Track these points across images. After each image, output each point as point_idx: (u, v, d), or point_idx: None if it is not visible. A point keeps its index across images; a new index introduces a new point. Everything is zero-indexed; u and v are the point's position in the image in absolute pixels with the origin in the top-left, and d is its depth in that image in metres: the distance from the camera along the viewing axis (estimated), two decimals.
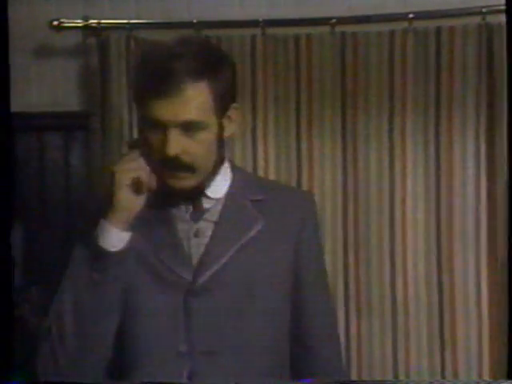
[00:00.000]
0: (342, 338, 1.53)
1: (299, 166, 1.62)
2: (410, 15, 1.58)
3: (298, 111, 1.61)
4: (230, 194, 1.17)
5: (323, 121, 1.60)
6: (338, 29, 1.60)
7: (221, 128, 1.11)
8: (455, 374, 1.59)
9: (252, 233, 1.15)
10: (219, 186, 1.16)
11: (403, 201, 1.60)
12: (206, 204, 1.16)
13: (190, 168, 1.10)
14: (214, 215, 1.16)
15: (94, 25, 1.63)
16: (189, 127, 1.07)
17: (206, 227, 1.15)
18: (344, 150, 1.61)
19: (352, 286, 1.61)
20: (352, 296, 1.61)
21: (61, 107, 1.74)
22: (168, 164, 1.08)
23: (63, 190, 1.78)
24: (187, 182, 1.11)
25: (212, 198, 1.16)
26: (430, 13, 1.59)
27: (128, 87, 1.62)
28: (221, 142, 1.13)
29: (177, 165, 1.08)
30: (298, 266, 1.17)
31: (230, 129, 1.14)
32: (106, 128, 1.65)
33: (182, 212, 1.16)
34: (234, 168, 1.21)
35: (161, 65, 1.05)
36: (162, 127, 1.06)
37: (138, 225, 1.15)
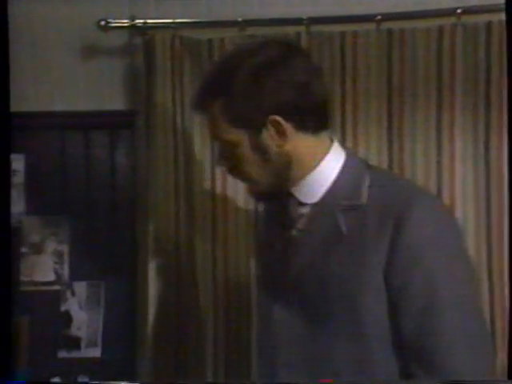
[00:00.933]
0: None
1: None
2: (459, 10, 1.53)
3: (343, 110, 1.58)
4: (325, 198, 1.09)
5: (369, 119, 1.57)
6: (385, 25, 1.56)
7: (257, 141, 1.06)
8: None
9: (330, 244, 1.06)
10: (314, 191, 1.09)
11: (452, 200, 1.55)
12: (300, 209, 1.10)
13: (248, 180, 1.11)
14: (302, 223, 1.11)
15: (139, 24, 1.64)
16: (224, 144, 1.09)
17: (295, 235, 1.11)
18: (390, 148, 1.57)
19: None
20: None
21: (107, 106, 1.75)
22: (231, 175, 1.14)
23: (109, 187, 1.80)
24: (255, 188, 1.12)
25: (305, 204, 1.10)
26: (480, 7, 1.53)
27: (173, 87, 1.62)
28: (265, 153, 1.07)
29: (238, 177, 1.13)
30: (391, 283, 1.02)
31: (282, 141, 1.07)
32: (150, 126, 1.65)
33: (280, 219, 1.14)
34: (346, 163, 1.10)
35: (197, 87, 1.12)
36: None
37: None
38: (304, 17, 1.58)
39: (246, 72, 1.04)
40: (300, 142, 1.07)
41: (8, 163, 1.10)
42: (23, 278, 1.77)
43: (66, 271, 1.78)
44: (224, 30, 1.60)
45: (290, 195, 1.10)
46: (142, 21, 1.63)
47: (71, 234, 1.77)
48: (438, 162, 1.55)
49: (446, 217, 1.11)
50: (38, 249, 1.78)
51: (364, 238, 1.03)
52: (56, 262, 1.78)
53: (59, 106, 1.77)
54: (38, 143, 1.80)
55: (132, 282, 1.71)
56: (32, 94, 1.77)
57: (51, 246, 1.78)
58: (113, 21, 1.65)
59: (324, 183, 1.08)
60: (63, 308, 1.76)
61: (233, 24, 1.59)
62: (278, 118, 1.04)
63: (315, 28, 1.59)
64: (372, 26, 1.57)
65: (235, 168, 1.10)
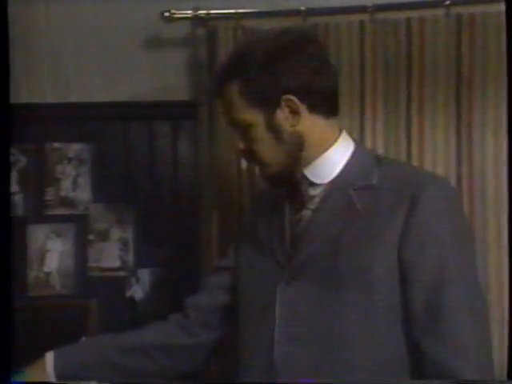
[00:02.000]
0: None
1: (409, 156, 1.55)
2: None
3: (408, 99, 1.53)
4: (336, 180, 1.13)
5: (436, 109, 1.52)
6: (454, 11, 1.50)
7: (272, 120, 1.11)
8: None
9: (345, 222, 1.09)
10: (326, 172, 1.13)
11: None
12: (311, 191, 1.14)
13: (261, 163, 1.14)
14: (314, 203, 1.13)
15: (202, 15, 1.63)
16: (239, 126, 1.12)
17: (306, 215, 1.14)
18: (458, 138, 1.52)
19: None
20: None
21: (170, 97, 1.75)
22: (244, 159, 1.25)
23: (171, 176, 1.82)
24: (268, 171, 1.15)
25: (317, 184, 1.14)
26: None
27: None
28: (279, 133, 1.12)
29: (250, 160, 1.18)
30: (404, 258, 1.05)
31: (295, 121, 1.11)
32: (213, 118, 1.65)
33: (291, 202, 1.16)
34: (356, 150, 1.15)
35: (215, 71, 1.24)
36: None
37: (256, 214, 1.22)
38: (369, 4, 1.54)
39: (262, 54, 1.09)
40: (312, 124, 1.12)
41: (8, 156, 1.11)
42: (90, 264, 1.82)
43: (130, 258, 1.82)
44: (286, 19, 1.58)
45: (302, 176, 1.14)
46: (204, 11, 1.63)
47: (135, 221, 1.81)
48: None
49: (456, 198, 1.16)
50: (104, 236, 1.82)
51: (378, 214, 1.07)
52: (121, 249, 1.82)
53: (123, 96, 1.80)
54: (104, 133, 1.83)
55: (195, 271, 1.73)
56: (97, 85, 1.80)
57: (116, 233, 1.82)
58: (176, 12, 1.65)
59: (335, 165, 1.14)
60: (128, 294, 1.80)
61: (295, 13, 1.57)
62: (292, 97, 1.10)
63: (380, 15, 1.55)
64: (440, 12, 1.51)
65: (249, 151, 1.14)
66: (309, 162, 1.13)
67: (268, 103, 1.09)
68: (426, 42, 1.52)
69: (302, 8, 1.56)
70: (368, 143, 1.56)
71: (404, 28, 1.53)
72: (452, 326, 1.03)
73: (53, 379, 1.20)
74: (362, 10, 1.55)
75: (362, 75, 1.56)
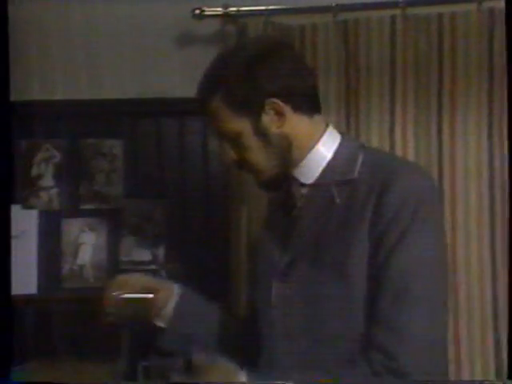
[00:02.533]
0: None
1: (440, 148, 1.53)
2: None
3: (439, 95, 1.52)
4: (320, 178, 1.15)
5: (468, 105, 1.50)
6: (486, 5, 1.49)
7: (258, 126, 1.12)
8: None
9: (325, 217, 1.11)
10: (313, 170, 1.15)
11: None
12: (301, 190, 1.16)
13: (255, 170, 1.16)
14: (302, 202, 1.16)
15: (233, 12, 1.64)
16: (229, 137, 1.13)
17: (296, 215, 1.16)
18: (490, 135, 1.50)
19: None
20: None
21: None
22: (237, 168, 1.18)
23: (202, 172, 1.84)
24: (261, 177, 1.16)
25: (305, 185, 1.16)
26: None
27: None
28: (266, 137, 1.12)
29: (245, 168, 1.17)
30: (371, 244, 1.06)
31: (281, 123, 1.12)
32: None
33: (285, 201, 1.18)
34: (341, 144, 1.16)
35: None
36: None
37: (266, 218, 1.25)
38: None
39: (239, 63, 1.11)
40: (297, 124, 1.13)
41: (9, 151, 1.12)
42: (122, 258, 1.85)
43: (161, 252, 1.84)
44: (317, 15, 1.58)
45: (292, 178, 1.16)
46: (235, 8, 1.64)
47: (167, 216, 1.83)
48: None
49: (428, 186, 1.13)
50: (135, 230, 1.85)
51: (354, 207, 1.09)
52: (152, 243, 1.85)
53: (155, 93, 1.82)
54: (136, 129, 1.86)
55: (224, 265, 1.75)
56: (129, 82, 1.83)
57: (148, 227, 1.85)
58: (207, 9, 1.67)
59: (321, 163, 1.15)
60: None
61: (326, 9, 1.57)
62: (275, 99, 1.11)
63: (411, 11, 1.54)
64: (472, 7, 1.50)
65: (241, 160, 1.15)
66: (297, 162, 1.15)
67: (252, 110, 1.12)
68: (458, 38, 1.50)
69: (333, 4, 1.56)
70: (398, 138, 1.56)
71: (435, 23, 1.52)
72: (406, 317, 1.02)
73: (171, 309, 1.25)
74: (393, 5, 1.54)
75: (392, 71, 1.55)
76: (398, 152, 1.55)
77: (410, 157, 1.56)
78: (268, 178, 1.16)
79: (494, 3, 1.49)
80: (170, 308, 1.24)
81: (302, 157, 1.15)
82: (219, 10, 1.66)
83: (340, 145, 1.16)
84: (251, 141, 1.12)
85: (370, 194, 1.08)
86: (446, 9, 1.52)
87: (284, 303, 1.12)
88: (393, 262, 1.04)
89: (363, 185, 1.10)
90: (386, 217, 1.05)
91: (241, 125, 1.12)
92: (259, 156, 1.13)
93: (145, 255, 1.85)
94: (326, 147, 1.16)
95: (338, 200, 1.11)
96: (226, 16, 1.66)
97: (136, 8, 1.79)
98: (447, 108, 1.53)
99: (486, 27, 1.49)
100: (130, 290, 1.23)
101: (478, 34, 1.49)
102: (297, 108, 1.13)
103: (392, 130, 1.57)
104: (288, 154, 1.14)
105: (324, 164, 1.15)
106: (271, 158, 1.14)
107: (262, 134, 1.12)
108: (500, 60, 1.49)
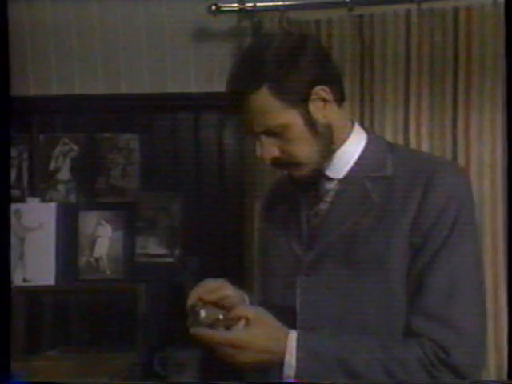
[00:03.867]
0: None
1: (455, 143, 1.53)
2: None
3: (455, 87, 1.52)
4: (351, 173, 1.13)
5: (482, 96, 1.50)
6: None
7: (307, 117, 1.08)
8: None
9: (361, 212, 1.10)
10: (342, 165, 1.13)
11: None
12: (327, 185, 1.14)
13: (296, 164, 1.10)
14: (331, 196, 1.13)
15: (248, 8, 1.65)
16: (273, 131, 1.07)
17: (324, 208, 1.13)
18: (505, 131, 1.50)
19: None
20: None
21: (216, 88, 1.77)
22: (273, 165, 1.11)
23: (217, 165, 1.85)
24: (300, 173, 1.12)
25: (332, 179, 1.13)
26: None
27: None
28: (315, 128, 1.09)
29: (282, 165, 1.11)
30: (413, 242, 1.06)
31: (327, 111, 1.10)
32: None
33: (306, 196, 1.15)
34: (369, 140, 1.15)
35: (229, 83, 1.10)
36: (255, 136, 1.09)
37: (269, 212, 1.21)
38: None
39: (281, 53, 1.08)
40: (336, 113, 1.12)
41: (8, 147, 1.13)
42: (138, 250, 1.86)
43: (177, 245, 1.86)
44: (332, 10, 1.58)
45: (319, 171, 1.13)
46: (251, 4, 1.65)
47: (183, 210, 1.84)
48: None
49: (465, 182, 1.14)
50: (151, 223, 1.87)
51: (393, 203, 1.07)
52: (168, 236, 1.86)
53: (171, 87, 1.84)
54: (152, 123, 1.87)
55: (239, 258, 1.76)
56: (146, 77, 1.85)
57: (164, 220, 1.86)
58: (223, 5, 1.67)
59: (350, 158, 1.12)
60: (176, 279, 1.84)
61: (341, 4, 1.57)
62: (323, 87, 1.09)
63: (426, 5, 1.53)
64: (487, 0, 1.49)
65: (284, 156, 1.10)
66: (330, 155, 1.13)
67: (301, 99, 1.08)
68: (473, 32, 1.50)
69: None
70: (412, 134, 1.56)
71: (451, 17, 1.51)
72: (437, 299, 1.04)
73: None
74: (406, 0, 1.53)
75: (407, 65, 1.55)
76: (412, 147, 1.55)
77: (424, 146, 1.56)
78: (307, 173, 1.12)
79: None
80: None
81: (336, 150, 1.13)
82: (235, 5, 1.67)
83: (368, 142, 1.15)
84: (300, 132, 1.08)
85: (413, 192, 1.07)
86: (461, 3, 1.51)
87: (311, 298, 1.10)
88: (440, 260, 1.05)
89: (401, 182, 1.09)
90: (432, 215, 1.05)
91: (289, 116, 1.07)
92: (305, 148, 1.10)
93: (160, 248, 1.86)
94: (355, 142, 1.14)
95: (374, 196, 1.09)
96: (241, 11, 1.67)
97: (152, 3, 1.80)
98: (462, 103, 1.52)
99: (501, 20, 1.48)
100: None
101: (493, 28, 1.48)
102: (336, 96, 1.11)
103: (406, 125, 1.56)
104: (330, 146, 1.12)
105: (355, 158, 1.13)
106: (316, 151, 1.10)
107: (310, 123, 1.09)
108: None
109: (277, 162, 1.11)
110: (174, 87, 1.83)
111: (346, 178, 1.13)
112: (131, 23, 1.84)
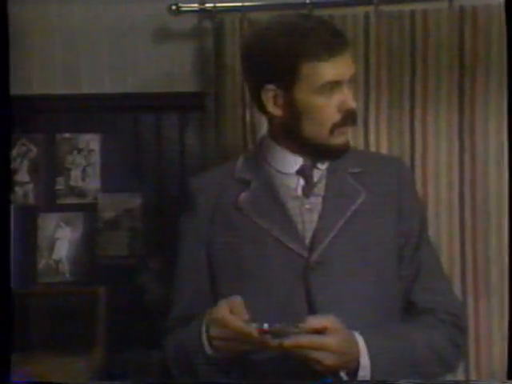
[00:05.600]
0: None
1: (412, 145, 1.55)
2: None
3: (412, 91, 1.53)
4: (330, 167, 1.18)
5: (439, 101, 1.51)
6: (457, 3, 1.50)
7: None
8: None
9: (355, 205, 1.15)
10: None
11: None
12: (315, 177, 1.16)
13: (353, 121, 1.15)
14: (321, 189, 1.16)
15: (209, 8, 1.63)
16: (351, 80, 1.13)
17: (317, 202, 1.15)
18: (461, 129, 1.51)
19: (470, 270, 1.54)
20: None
21: (177, 88, 1.76)
22: (346, 120, 1.13)
23: (179, 166, 1.83)
24: (345, 137, 1.16)
25: (320, 169, 1.17)
26: None
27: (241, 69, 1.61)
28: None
29: (349, 119, 1.13)
30: (401, 229, 1.17)
31: None
32: (220, 108, 1.65)
33: (291, 188, 1.16)
34: None
35: (325, 27, 1.12)
36: (338, 86, 1.11)
37: (249, 204, 1.17)
38: None
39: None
40: None
41: (8, 147, 1.10)
42: (99, 252, 1.83)
43: (139, 246, 1.83)
44: (292, 11, 1.57)
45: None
46: (211, 4, 1.63)
47: (144, 210, 1.81)
48: None
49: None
50: (113, 224, 1.83)
51: (377, 196, 1.16)
52: (130, 238, 1.83)
53: (132, 88, 1.81)
54: (113, 124, 1.84)
55: None
56: (107, 77, 1.81)
57: (125, 222, 1.83)
58: (183, 5, 1.65)
59: None
60: (138, 281, 1.81)
61: (301, 6, 1.57)
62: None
63: (384, 8, 1.54)
64: (444, 5, 1.51)
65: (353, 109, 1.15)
66: None
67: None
68: (430, 34, 1.51)
69: (308, 1, 1.56)
70: (372, 136, 1.57)
71: (408, 20, 1.52)
72: (433, 277, 1.19)
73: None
74: (366, 2, 1.54)
75: (366, 67, 1.56)
76: (372, 149, 1.56)
77: (384, 149, 1.57)
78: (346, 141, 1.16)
79: (465, 1, 1.51)
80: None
81: None
82: (195, 5, 1.65)
83: None
84: (332, 113, 1.12)
85: (390, 185, 1.18)
86: (418, 6, 1.53)
87: (322, 290, 1.12)
88: (424, 246, 1.20)
89: (374, 178, 1.18)
90: (410, 210, 1.18)
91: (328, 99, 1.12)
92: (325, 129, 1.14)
93: (122, 250, 1.83)
94: None
95: (360, 189, 1.16)
96: (202, 12, 1.65)
97: (113, 3, 1.77)
98: (419, 102, 1.54)
99: (457, 24, 1.51)
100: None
101: (449, 32, 1.50)
102: None
103: (366, 127, 1.57)
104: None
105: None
106: (329, 131, 1.15)
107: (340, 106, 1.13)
108: (470, 57, 1.50)
109: (353, 114, 1.15)
110: (134, 87, 1.80)
111: (328, 171, 1.17)
112: (91, 22, 1.80)
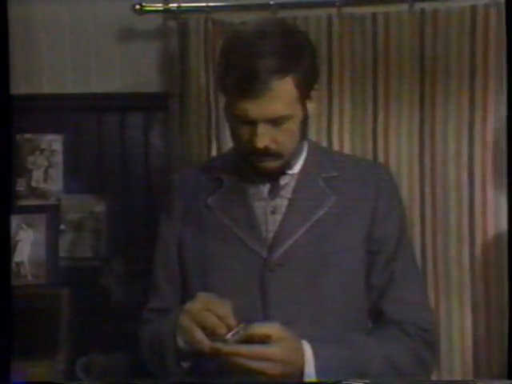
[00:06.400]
0: None
1: (375, 146, 1.55)
2: None
3: (374, 91, 1.54)
4: (303, 170, 1.17)
5: (401, 100, 1.53)
6: (418, 6, 1.52)
7: (305, 112, 1.11)
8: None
9: (323, 209, 1.13)
10: (296, 161, 1.17)
11: (483, 176, 1.51)
12: (281, 180, 1.16)
13: (278, 155, 1.11)
14: (288, 192, 1.15)
15: (173, 8, 1.62)
16: (277, 121, 1.07)
17: (282, 204, 1.15)
18: (421, 130, 1.53)
19: (430, 269, 1.55)
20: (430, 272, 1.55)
21: (142, 88, 1.74)
22: (257, 153, 1.09)
23: (143, 167, 1.80)
24: (274, 163, 1.12)
25: (288, 174, 1.16)
26: None
27: (206, 70, 1.59)
28: (305, 123, 1.13)
29: (265, 154, 1.09)
30: (374, 237, 1.15)
31: (310, 108, 1.13)
32: (184, 108, 1.64)
33: (260, 190, 1.16)
34: (310, 144, 1.21)
35: (243, 65, 1.03)
36: (250, 123, 1.07)
37: (218, 203, 1.17)
38: None
39: (309, 46, 1.11)
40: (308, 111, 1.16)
41: (8, 147, 1.08)
42: (62, 254, 1.79)
43: (103, 248, 1.80)
44: (256, 12, 1.58)
45: (287, 165, 1.16)
46: (175, 4, 1.62)
47: (108, 212, 1.79)
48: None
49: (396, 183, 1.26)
50: (76, 226, 1.80)
51: (349, 201, 1.14)
52: (93, 239, 1.80)
53: (96, 88, 1.78)
54: (76, 124, 1.81)
55: None
56: (70, 77, 1.78)
57: (89, 223, 1.80)
58: (147, 5, 1.63)
59: (301, 156, 1.17)
60: (101, 283, 1.78)
61: (265, 7, 1.56)
62: (317, 86, 1.13)
63: (347, 10, 1.55)
64: (405, 7, 1.53)
65: (272, 145, 1.10)
66: (300, 150, 1.17)
67: (308, 94, 1.10)
68: (391, 37, 1.52)
69: (272, 2, 1.56)
70: (335, 136, 1.58)
71: (370, 22, 1.54)
72: (406, 288, 1.16)
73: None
74: (329, 4, 1.55)
75: (329, 69, 1.56)
76: (335, 149, 1.56)
77: (346, 147, 1.58)
78: (282, 165, 1.13)
79: (425, 4, 1.53)
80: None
81: (298, 150, 1.16)
82: (159, 5, 1.63)
83: (309, 143, 1.20)
84: (296, 125, 1.09)
85: (367, 191, 1.15)
86: (380, 9, 1.54)
87: (279, 292, 1.10)
88: (401, 255, 1.17)
89: (350, 183, 1.15)
90: (386, 216, 1.16)
91: (297, 109, 1.08)
92: (292, 141, 1.11)
93: (86, 251, 1.80)
94: (305, 141, 1.18)
95: (330, 193, 1.14)
96: (166, 12, 1.64)
97: (76, 2, 1.74)
98: (382, 106, 1.55)
99: (418, 27, 1.52)
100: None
101: (410, 34, 1.52)
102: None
103: (329, 127, 1.58)
104: (301, 141, 1.15)
105: (303, 157, 1.17)
106: (296, 144, 1.13)
107: (304, 118, 1.11)
108: (430, 60, 1.52)
109: (264, 151, 1.09)
110: (98, 87, 1.78)
111: (299, 175, 1.16)
112: (54, 22, 1.77)
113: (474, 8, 1.50)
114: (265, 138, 1.07)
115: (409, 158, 1.54)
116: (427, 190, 1.54)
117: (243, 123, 1.08)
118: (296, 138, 1.12)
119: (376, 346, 1.10)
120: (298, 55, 1.06)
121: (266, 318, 1.10)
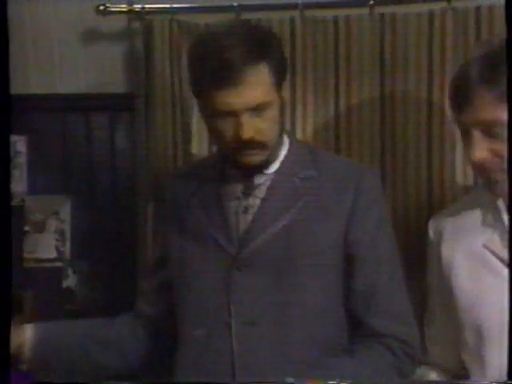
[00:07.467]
0: None
1: (337, 141, 1.56)
2: None
3: (336, 93, 1.56)
4: (281, 170, 1.16)
5: (362, 102, 1.54)
6: (377, 10, 1.54)
7: (282, 101, 1.13)
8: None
9: (295, 210, 1.12)
10: (277, 159, 1.16)
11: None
12: (257, 180, 1.15)
13: (263, 145, 1.11)
14: (262, 191, 1.15)
15: (137, 9, 1.61)
16: (258, 109, 1.08)
17: (254, 204, 1.14)
18: (382, 133, 1.55)
19: None
20: None
21: (107, 89, 1.73)
22: (242, 146, 1.09)
23: (109, 167, 1.79)
24: (259, 157, 1.12)
25: (265, 174, 1.15)
26: None
27: (171, 71, 1.59)
28: (282, 112, 1.15)
29: (251, 145, 1.09)
30: (349, 239, 1.12)
31: (285, 97, 1.16)
32: (149, 109, 1.63)
33: (234, 189, 1.16)
34: (292, 142, 1.20)
35: (216, 57, 1.05)
36: (232, 114, 1.07)
37: (193, 201, 1.18)
38: (298, 2, 1.56)
39: (274, 33, 1.20)
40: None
41: (8, 144, 1.07)
42: (26, 256, 1.76)
43: (67, 249, 1.78)
44: (220, 14, 1.58)
45: (267, 161, 1.15)
46: (140, 5, 1.61)
47: (72, 213, 1.77)
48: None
49: (381, 186, 1.25)
50: (40, 227, 1.78)
51: (325, 202, 1.13)
52: (58, 240, 1.78)
53: (60, 88, 1.76)
54: (40, 125, 1.78)
55: (131, 262, 1.70)
56: (34, 77, 1.76)
57: (53, 224, 1.78)
58: (111, 6, 1.63)
59: (279, 156, 1.16)
60: (65, 284, 1.76)
61: (229, 9, 1.57)
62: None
63: (309, 13, 1.57)
64: (365, 11, 1.55)
65: (254, 138, 1.10)
66: (281, 144, 1.17)
67: (283, 80, 1.12)
68: (352, 40, 1.54)
69: (235, 4, 1.57)
70: (298, 136, 1.59)
71: (332, 25, 1.55)
72: (387, 297, 1.12)
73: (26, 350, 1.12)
74: (292, 6, 1.56)
75: (292, 70, 1.57)
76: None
77: None
78: (266, 158, 1.12)
79: (385, 9, 1.56)
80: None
81: (279, 144, 1.17)
82: (124, 6, 1.63)
83: (291, 142, 1.19)
84: (275, 111, 1.10)
85: (344, 193, 1.12)
86: (342, 12, 1.56)
87: (244, 293, 1.10)
88: (383, 263, 1.13)
89: (330, 182, 1.13)
90: (364, 214, 1.12)
91: (274, 95, 1.09)
92: (274, 128, 1.11)
93: (50, 252, 1.77)
94: (282, 139, 1.18)
95: (305, 194, 1.12)
96: (131, 13, 1.63)
97: (40, 1, 1.72)
98: (344, 107, 1.56)
99: (378, 31, 1.55)
100: None
101: (370, 37, 1.54)
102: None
103: (293, 130, 1.59)
104: (282, 134, 1.15)
105: (282, 157, 1.16)
106: (277, 130, 1.13)
107: (281, 106, 1.12)
108: (389, 63, 1.55)
109: (250, 142, 1.09)
110: (62, 88, 1.76)
111: (275, 174, 1.15)
112: (17, 22, 1.75)
113: (431, 12, 1.53)
114: (249, 128, 1.07)
115: (370, 158, 1.55)
116: (388, 190, 1.56)
117: (225, 116, 1.08)
118: (277, 126, 1.12)
119: (353, 369, 1.06)
120: (267, 45, 1.09)
121: (230, 316, 1.09)
